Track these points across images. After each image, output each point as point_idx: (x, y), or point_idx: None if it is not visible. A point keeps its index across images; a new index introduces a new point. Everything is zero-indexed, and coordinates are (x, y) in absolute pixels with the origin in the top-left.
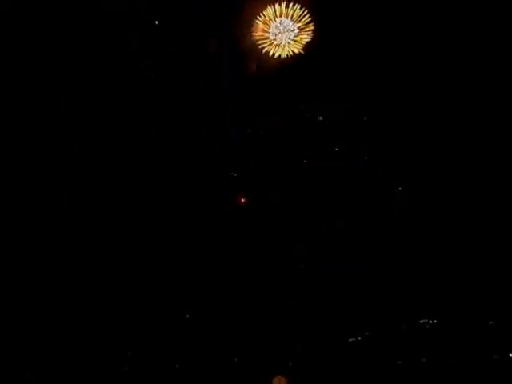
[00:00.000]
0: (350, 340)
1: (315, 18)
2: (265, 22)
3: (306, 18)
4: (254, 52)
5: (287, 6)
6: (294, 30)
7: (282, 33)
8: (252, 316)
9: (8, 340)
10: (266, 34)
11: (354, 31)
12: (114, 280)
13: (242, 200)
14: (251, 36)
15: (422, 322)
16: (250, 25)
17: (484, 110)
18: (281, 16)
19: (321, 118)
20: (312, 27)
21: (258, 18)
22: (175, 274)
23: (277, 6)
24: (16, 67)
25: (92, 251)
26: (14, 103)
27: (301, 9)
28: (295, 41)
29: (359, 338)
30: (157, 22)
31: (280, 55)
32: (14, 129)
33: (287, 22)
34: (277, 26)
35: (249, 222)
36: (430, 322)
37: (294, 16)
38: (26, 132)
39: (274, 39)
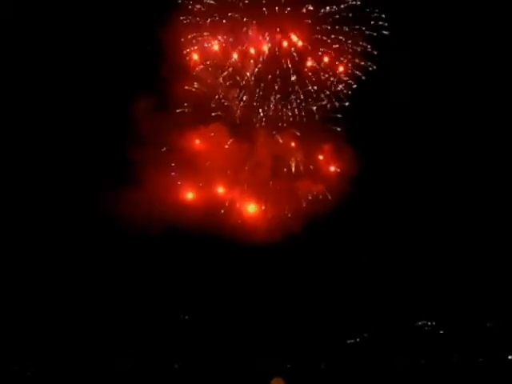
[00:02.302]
0: (349, 342)
1: None
2: None
3: None
4: None
5: None
6: None
7: None
8: (251, 317)
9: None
10: None
11: None
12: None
13: None
14: None
15: (420, 323)
16: None
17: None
18: None
19: None
20: None
21: None
22: (176, 273)
23: None
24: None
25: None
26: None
27: None
28: None
29: (357, 340)
30: None
31: None
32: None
33: None
34: None
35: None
36: (429, 323)
37: None
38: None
39: None
